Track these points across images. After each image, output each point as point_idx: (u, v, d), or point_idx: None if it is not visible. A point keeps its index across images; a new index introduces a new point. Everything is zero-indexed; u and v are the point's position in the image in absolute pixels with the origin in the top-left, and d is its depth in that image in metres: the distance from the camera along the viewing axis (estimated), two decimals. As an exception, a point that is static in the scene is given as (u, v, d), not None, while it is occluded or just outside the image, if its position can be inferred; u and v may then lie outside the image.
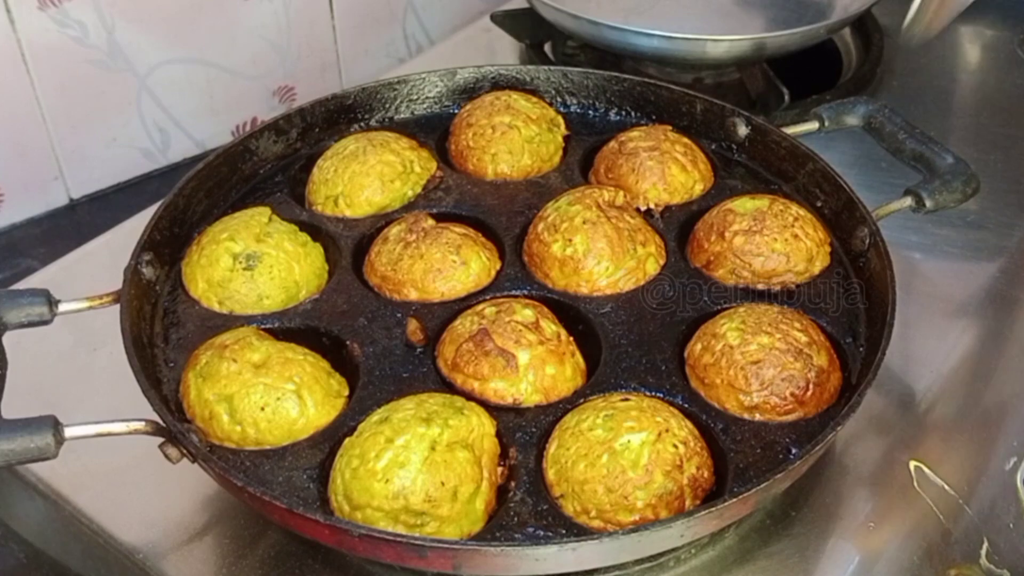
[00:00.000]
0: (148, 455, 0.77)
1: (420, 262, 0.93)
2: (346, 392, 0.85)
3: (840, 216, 0.98)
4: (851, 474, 0.91)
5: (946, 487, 0.89)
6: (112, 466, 0.88)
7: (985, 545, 0.86)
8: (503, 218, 1.02)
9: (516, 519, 0.76)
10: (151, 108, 1.39)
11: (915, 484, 0.90)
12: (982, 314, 1.10)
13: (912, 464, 0.91)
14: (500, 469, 0.79)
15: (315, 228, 1.00)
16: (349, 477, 0.76)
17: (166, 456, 0.77)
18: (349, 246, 0.98)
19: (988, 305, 1.10)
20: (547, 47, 1.51)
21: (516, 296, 0.93)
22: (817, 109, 1.09)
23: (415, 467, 0.74)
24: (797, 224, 0.96)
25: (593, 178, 1.08)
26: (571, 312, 0.92)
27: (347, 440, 0.79)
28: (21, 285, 1.08)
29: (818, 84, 1.42)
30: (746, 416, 0.83)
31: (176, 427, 0.76)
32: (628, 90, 1.16)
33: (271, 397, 0.81)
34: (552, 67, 1.18)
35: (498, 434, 0.80)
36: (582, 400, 0.84)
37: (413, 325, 0.89)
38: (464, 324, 0.87)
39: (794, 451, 0.80)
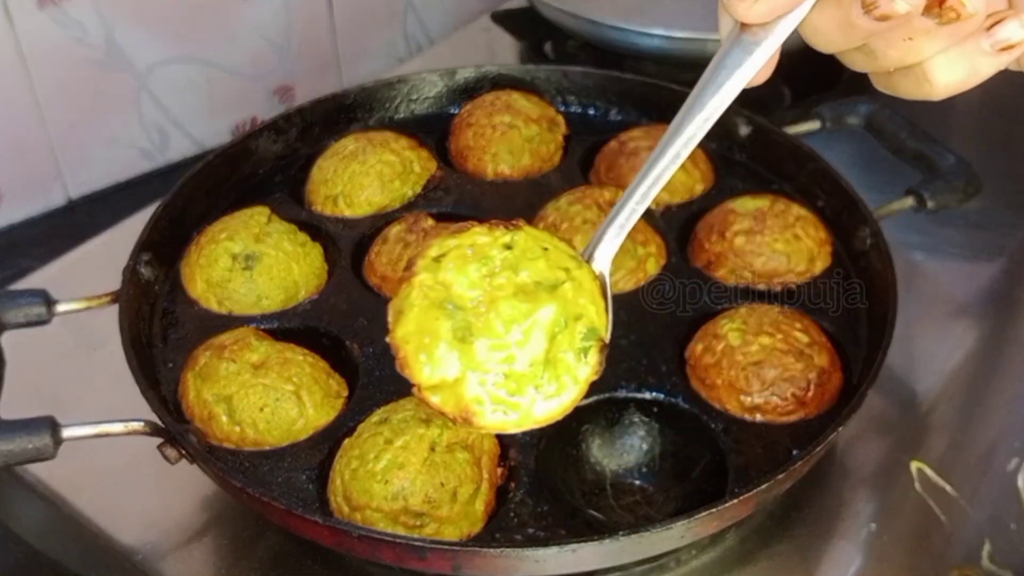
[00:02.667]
0: (147, 456, 0.77)
1: (420, 262, 0.93)
2: (345, 393, 0.85)
3: (841, 216, 0.98)
4: (852, 475, 0.90)
5: (948, 488, 0.89)
6: (111, 467, 0.88)
7: (987, 546, 0.86)
8: (503, 218, 1.01)
9: (516, 520, 0.75)
10: (150, 108, 1.39)
11: (917, 485, 0.89)
12: (984, 314, 1.09)
13: (914, 465, 0.91)
14: (500, 470, 0.79)
15: (314, 228, 1.00)
16: (348, 478, 0.75)
17: (165, 457, 0.77)
18: (349, 246, 0.98)
19: (990, 305, 1.10)
20: (547, 47, 1.51)
21: (516, 296, 0.92)
22: (818, 108, 1.09)
23: (414, 468, 0.74)
24: (798, 224, 0.95)
25: (593, 178, 1.08)
26: (571, 312, 0.91)
27: (346, 441, 0.79)
28: (19, 285, 1.07)
29: (819, 83, 1.42)
30: (747, 417, 0.83)
31: (175, 428, 0.76)
32: (628, 90, 1.15)
33: (270, 398, 0.81)
34: (552, 67, 1.18)
35: (498, 435, 0.80)
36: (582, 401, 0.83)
37: (413, 325, 0.89)
38: (464, 324, 0.86)
39: (795, 452, 0.80)
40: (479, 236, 0.64)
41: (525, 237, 0.64)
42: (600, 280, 0.65)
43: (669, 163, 0.60)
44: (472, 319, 0.62)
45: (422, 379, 0.62)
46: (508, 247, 0.64)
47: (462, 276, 0.63)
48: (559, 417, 0.64)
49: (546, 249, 0.64)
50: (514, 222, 0.65)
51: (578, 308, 0.63)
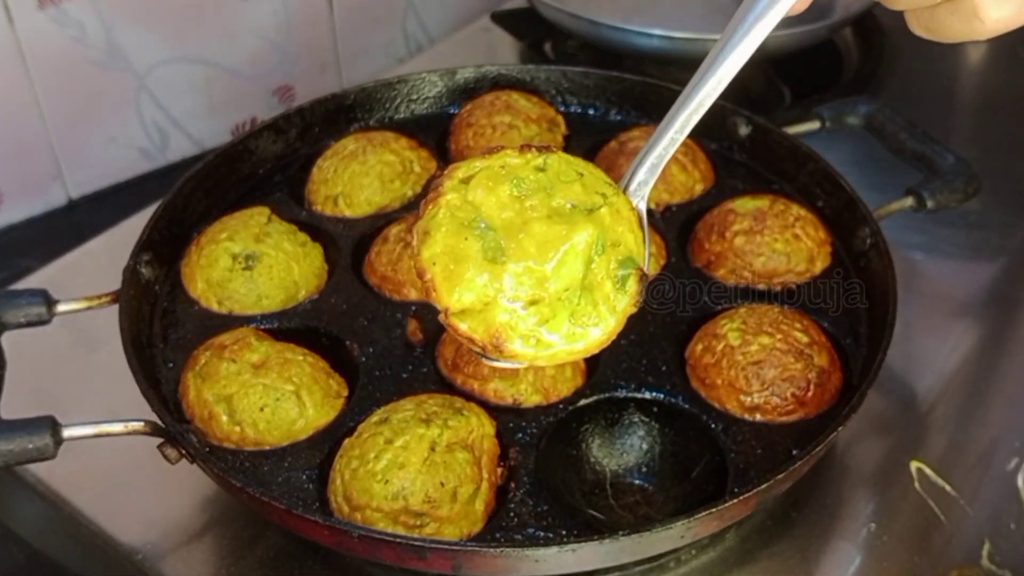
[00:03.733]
0: (147, 456, 0.77)
1: (420, 262, 0.93)
2: (345, 392, 0.85)
3: (841, 216, 0.98)
4: (852, 475, 0.90)
5: (947, 488, 0.89)
6: (111, 467, 0.88)
7: (987, 546, 0.86)
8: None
9: (516, 520, 0.75)
10: (150, 108, 1.39)
11: (916, 485, 0.89)
12: (984, 314, 1.09)
13: (913, 465, 0.91)
14: (500, 470, 0.79)
15: (314, 228, 1.00)
16: (348, 478, 0.75)
17: (165, 457, 0.77)
18: (349, 246, 0.98)
19: (990, 305, 1.10)
20: (547, 47, 1.51)
21: (516, 296, 0.92)
22: (818, 109, 1.09)
23: (414, 468, 0.74)
24: (798, 224, 0.95)
25: (593, 178, 1.08)
26: (571, 312, 0.91)
27: (346, 441, 0.79)
28: (19, 285, 1.07)
29: (819, 83, 1.42)
30: (747, 417, 0.83)
31: (175, 428, 0.76)
32: (628, 90, 1.15)
33: (270, 398, 0.81)
34: (552, 67, 1.18)
35: (498, 435, 0.80)
36: (582, 401, 0.84)
37: (413, 325, 0.89)
38: (464, 324, 0.86)
39: (795, 452, 0.80)
40: (510, 158, 0.60)
41: (558, 161, 0.61)
42: (637, 212, 0.62)
43: (713, 89, 0.58)
44: (504, 240, 0.58)
45: (450, 303, 0.58)
46: (540, 170, 0.60)
47: (492, 196, 0.58)
48: (594, 351, 0.60)
49: (581, 175, 0.61)
50: (546, 145, 0.61)
51: (616, 235, 0.60)
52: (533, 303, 0.58)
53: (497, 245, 0.58)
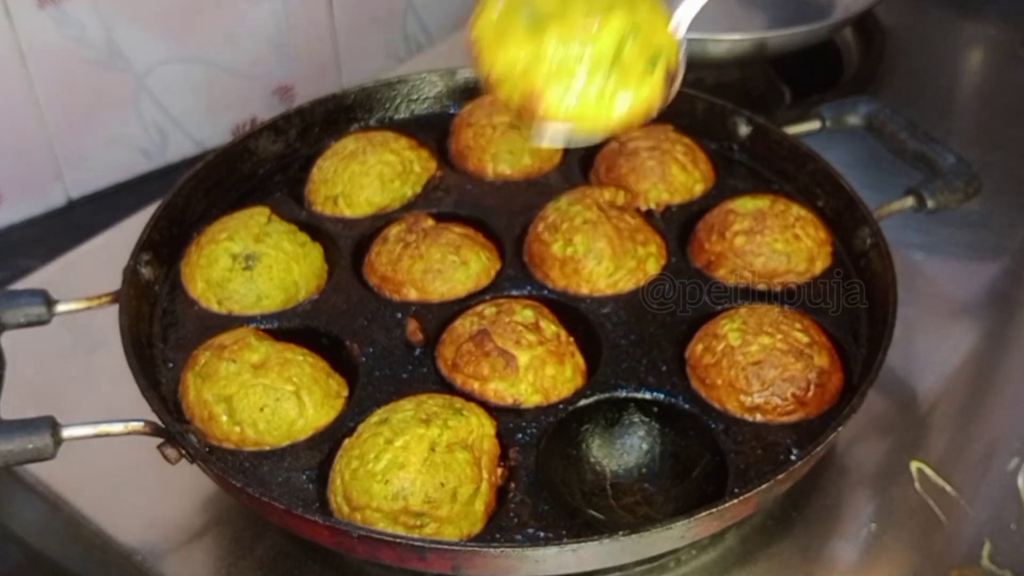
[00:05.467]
0: (147, 456, 0.77)
1: (420, 262, 0.93)
2: (345, 393, 0.85)
3: (841, 216, 0.98)
4: (852, 475, 0.90)
5: (948, 488, 0.89)
6: (111, 467, 0.88)
7: (987, 546, 0.86)
8: (503, 218, 1.02)
9: (516, 520, 0.75)
10: (150, 108, 1.39)
11: (916, 485, 0.89)
12: (984, 314, 1.09)
13: (914, 465, 0.91)
14: (500, 470, 0.79)
15: (314, 228, 1.00)
16: (348, 478, 0.75)
17: (165, 457, 0.77)
18: (348, 246, 0.98)
19: (990, 305, 1.10)
20: (547, 47, 1.51)
21: (516, 296, 0.92)
22: (818, 109, 1.09)
23: (414, 468, 0.74)
24: (798, 224, 0.95)
25: (593, 178, 1.08)
26: (571, 312, 0.91)
27: (346, 441, 0.79)
28: (19, 285, 1.07)
29: (819, 83, 1.42)
30: (747, 417, 0.83)
31: (174, 428, 0.76)
32: (628, 90, 1.15)
33: (270, 398, 0.81)
34: (552, 66, 1.18)
35: (498, 435, 0.80)
36: (582, 401, 0.84)
37: (412, 325, 0.89)
38: (464, 324, 0.87)
39: (795, 452, 0.80)
40: None
41: None
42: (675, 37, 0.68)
43: None
44: (545, 18, 0.64)
45: (491, 68, 0.65)
46: None
47: None
48: (617, 125, 0.66)
49: None
50: None
51: (651, 27, 0.67)
52: (568, 70, 0.64)
53: (539, 23, 0.65)
